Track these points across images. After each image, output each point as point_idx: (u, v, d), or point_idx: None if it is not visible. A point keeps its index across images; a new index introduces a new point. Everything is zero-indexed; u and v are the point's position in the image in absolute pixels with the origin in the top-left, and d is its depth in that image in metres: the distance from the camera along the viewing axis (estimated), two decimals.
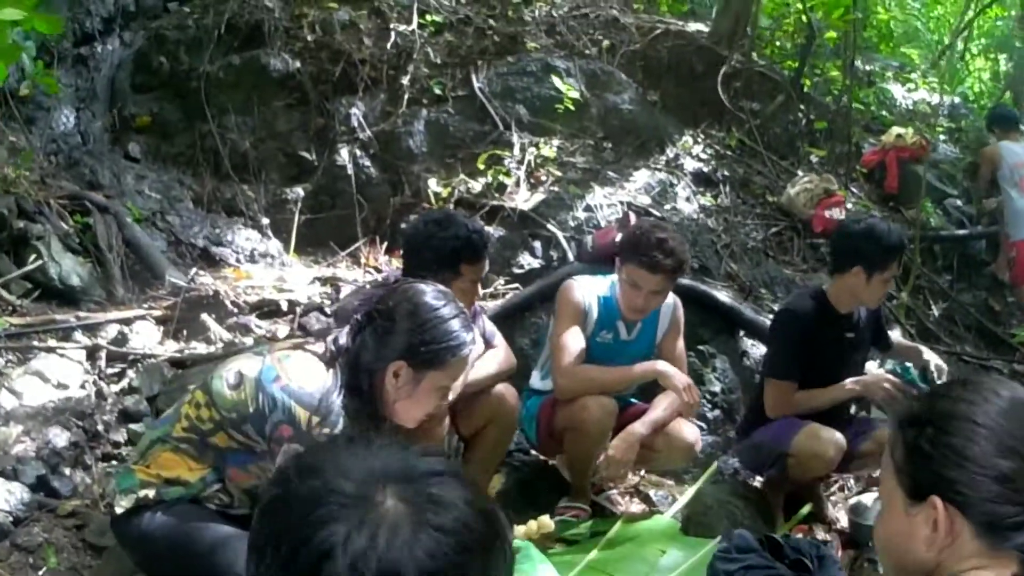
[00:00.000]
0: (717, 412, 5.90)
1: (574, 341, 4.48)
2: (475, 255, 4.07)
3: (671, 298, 4.71)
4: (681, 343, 4.82)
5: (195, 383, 3.22)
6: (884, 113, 10.55)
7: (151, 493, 2.99)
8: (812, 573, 2.67)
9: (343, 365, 2.95)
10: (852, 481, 5.57)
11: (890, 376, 4.73)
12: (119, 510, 3.01)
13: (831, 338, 4.71)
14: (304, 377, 2.87)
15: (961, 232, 9.01)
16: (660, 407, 4.55)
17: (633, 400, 4.88)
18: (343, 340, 2.99)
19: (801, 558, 2.68)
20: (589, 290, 4.60)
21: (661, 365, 4.48)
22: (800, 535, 4.57)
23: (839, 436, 4.52)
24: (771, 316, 5.08)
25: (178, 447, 3.01)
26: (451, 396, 3.19)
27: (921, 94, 11.39)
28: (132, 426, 4.55)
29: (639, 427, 4.45)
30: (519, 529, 3.86)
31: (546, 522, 3.92)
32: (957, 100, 12.03)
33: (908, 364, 4.93)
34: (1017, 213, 8.50)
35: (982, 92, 15.15)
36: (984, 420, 1.66)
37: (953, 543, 1.66)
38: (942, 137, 10.46)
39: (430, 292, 2.99)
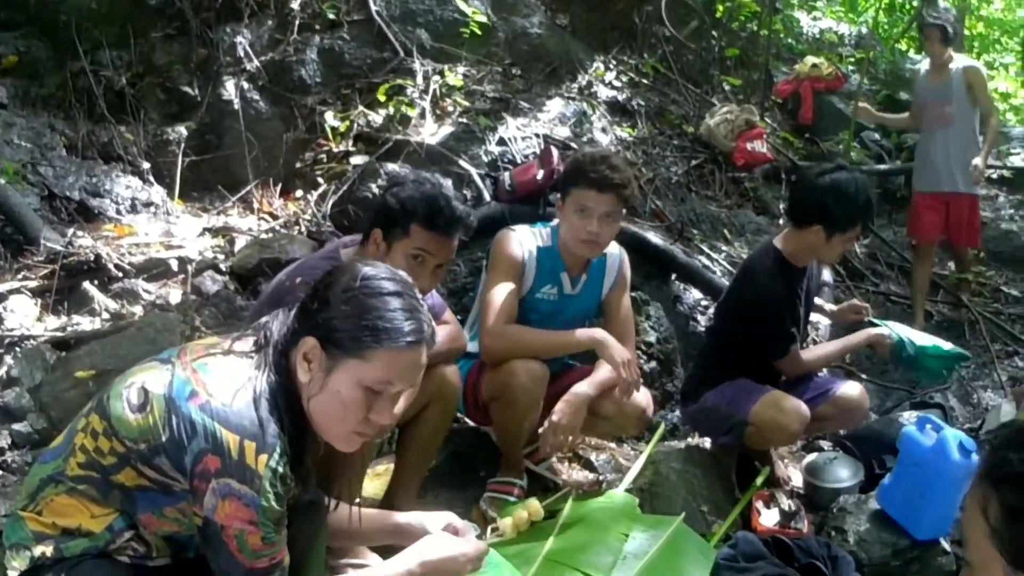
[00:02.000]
0: (653, 364, 5.53)
1: (505, 298, 4.04)
2: (433, 219, 3.43)
3: (616, 248, 4.35)
4: (627, 299, 4.45)
5: (88, 404, 2.45)
6: (791, 41, 10.34)
7: (48, 550, 2.34)
8: None
9: (272, 363, 2.34)
10: None
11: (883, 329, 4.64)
12: (12, 574, 2.35)
13: (796, 295, 4.43)
14: (229, 391, 2.24)
15: (881, 167, 8.83)
16: (606, 366, 4.14)
17: (571, 362, 4.51)
18: (275, 328, 2.39)
19: (813, 561, 2.28)
20: (528, 241, 4.17)
21: (600, 334, 4.07)
22: (762, 502, 4.37)
23: (803, 407, 4.26)
24: (737, 291, 4.60)
25: (75, 488, 2.34)
26: (386, 413, 2.37)
27: (827, 23, 11.19)
28: (16, 427, 4.01)
29: (585, 388, 4.06)
30: (506, 522, 3.27)
31: (535, 507, 3.25)
32: (865, 30, 11.84)
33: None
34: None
35: (886, 21, 15.03)
36: None
37: None
38: (851, 68, 10.22)
39: (382, 269, 2.37)
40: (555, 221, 4.25)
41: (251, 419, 2.20)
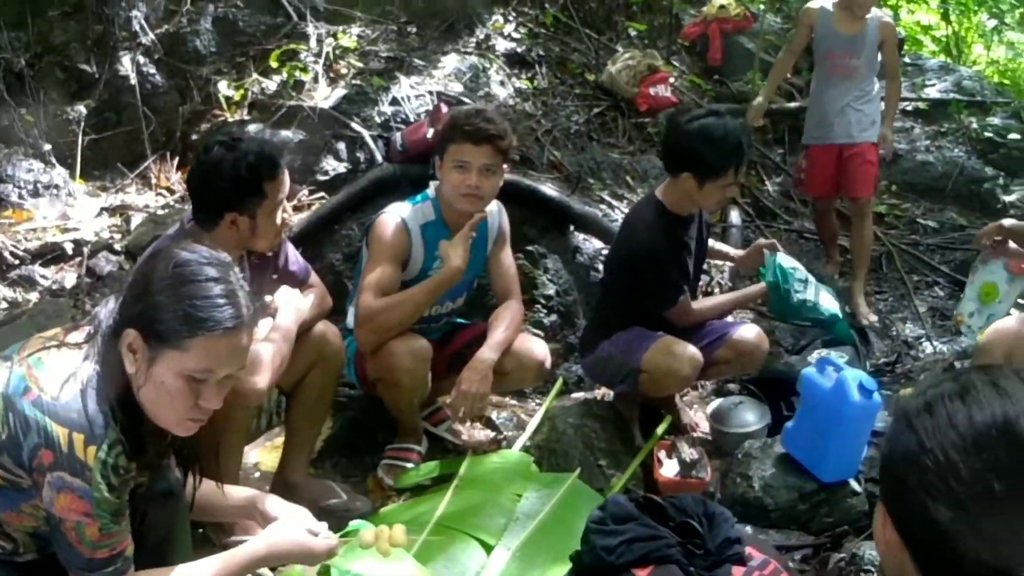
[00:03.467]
0: (554, 317, 5.47)
1: (380, 282, 3.98)
2: (274, 168, 3.47)
3: (495, 205, 4.27)
4: (509, 254, 4.43)
5: None
6: None
7: None
8: (702, 535, 2.24)
9: (100, 353, 2.30)
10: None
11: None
12: None
13: (682, 246, 4.41)
14: (57, 384, 2.23)
15: (791, 105, 8.68)
16: (501, 326, 4.15)
17: (461, 320, 4.50)
18: (102, 317, 2.35)
19: (688, 520, 2.24)
20: (410, 221, 4.09)
21: (454, 262, 4.00)
22: (664, 452, 4.35)
23: (694, 351, 4.26)
24: (619, 242, 4.64)
25: None
26: (214, 398, 2.33)
27: None
28: None
29: (488, 353, 4.05)
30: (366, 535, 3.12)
31: (398, 536, 3.01)
32: None
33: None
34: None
35: None
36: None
37: None
38: (762, 7, 10.14)
39: (199, 254, 2.30)
40: (431, 190, 4.18)
41: (79, 411, 2.19)
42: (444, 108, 5.65)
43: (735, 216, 6.96)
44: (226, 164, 3.39)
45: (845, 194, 6.65)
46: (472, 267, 4.19)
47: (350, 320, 4.24)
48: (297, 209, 5.57)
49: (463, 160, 3.96)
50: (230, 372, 2.31)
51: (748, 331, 4.69)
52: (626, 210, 5.93)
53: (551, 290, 5.49)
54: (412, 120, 5.99)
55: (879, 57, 6.56)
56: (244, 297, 2.29)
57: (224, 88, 6.38)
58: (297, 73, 6.36)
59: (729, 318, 5.11)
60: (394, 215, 4.08)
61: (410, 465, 4.24)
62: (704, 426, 4.83)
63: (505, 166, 4.12)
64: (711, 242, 4.93)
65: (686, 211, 4.38)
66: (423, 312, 4.08)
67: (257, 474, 4.23)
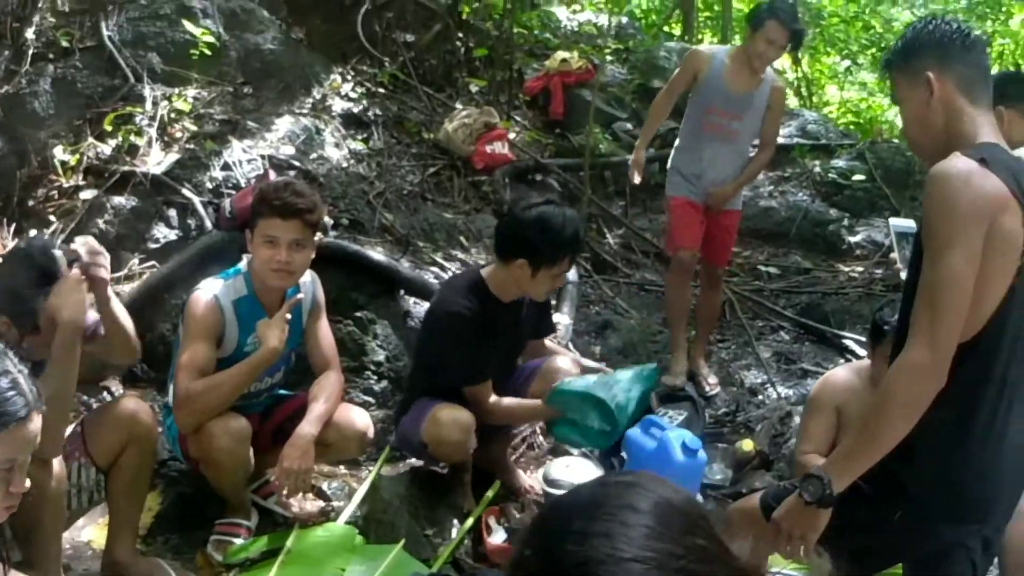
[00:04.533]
0: (385, 383, 5.49)
1: (196, 362, 3.96)
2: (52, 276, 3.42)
3: (308, 275, 4.29)
4: (325, 324, 4.43)
5: None
6: (549, 36, 10.38)
7: None
8: None
9: None
10: (540, 437, 5.34)
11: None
12: None
13: (497, 333, 4.37)
14: None
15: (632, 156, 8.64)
16: (321, 399, 4.15)
17: (283, 392, 4.49)
18: None
19: None
20: (222, 298, 4.08)
21: (271, 343, 3.99)
22: (493, 518, 4.40)
23: (463, 416, 4.23)
24: (431, 311, 4.59)
25: None
26: (23, 483, 2.33)
27: (587, 15, 11.34)
28: None
29: (308, 428, 4.03)
30: None
31: None
32: (624, 20, 12.00)
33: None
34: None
35: (650, 9, 15.33)
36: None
37: None
38: (609, 59, 10.36)
39: None
40: (244, 264, 4.19)
41: None
42: (272, 174, 5.69)
43: (571, 273, 6.65)
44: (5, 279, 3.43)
45: (703, 258, 6.25)
46: (289, 340, 4.17)
47: (171, 397, 4.20)
48: (128, 278, 5.54)
49: (272, 235, 3.96)
50: (30, 453, 2.33)
51: (560, 361, 4.70)
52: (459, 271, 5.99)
53: (381, 356, 5.51)
54: (243, 185, 5.98)
55: (759, 124, 6.08)
56: (26, 381, 2.31)
57: (60, 153, 6.29)
58: (132, 137, 6.30)
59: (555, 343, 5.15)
60: (207, 291, 4.07)
61: (239, 540, 4.19)
62: (539, 488, 4.78)
63: (318, 237, 4.16)
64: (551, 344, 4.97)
65: (508, 297, 4.37)
66: (242, 392, 4.07)
67: (89, 552, 4.18)
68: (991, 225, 2.44)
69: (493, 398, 4.38)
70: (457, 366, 4.32)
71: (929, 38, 2.73)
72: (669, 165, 6.31)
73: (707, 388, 6.18)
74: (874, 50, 16.08)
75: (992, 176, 2.47)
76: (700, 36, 14.61)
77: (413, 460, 4.85)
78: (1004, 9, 14.48)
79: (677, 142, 6.32)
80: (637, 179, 6.37)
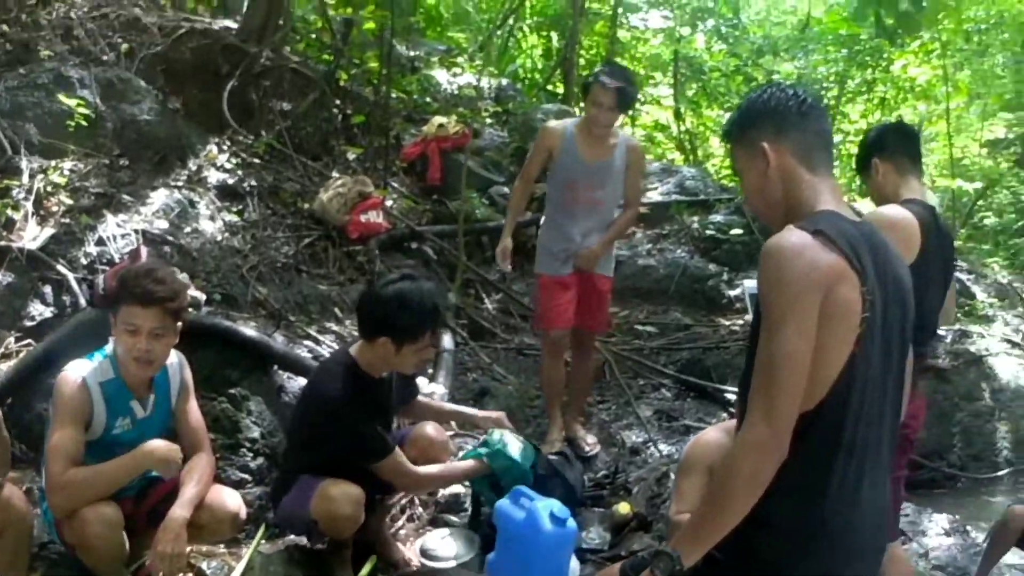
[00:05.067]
0: (261, 460, 5.44)
1: (67, 447, 3.93)
2: None
3: (175, 357, 4.28)
4: (194, 405, 4.41)
5: None
6: (429, 100, 10.50)
7: None
8: None
9: None
10: (420, 508, 5.37)
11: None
12: None
13: (376, 409, 4.44)
14: None
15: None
16: (192, 481, 4.14)
17: (156, 474, 4.37)
18: None
19: None
20: (90, 380, 4.04)
21: (147, 445, 4.02)
22: None
23: (353, 490, 4.27)
24: (309, 392, 4.59)
25: None
26: None
27: (467, 78, 11.39)
28: None
29: (180, 512, 4.00)
30: None
31: None
32: (505, 82, 12.18)
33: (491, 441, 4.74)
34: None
35: (534, 68, 15.60)
36: None
37: None
38: (489, 121, 10.51)
39: None
40: (110, 347, 4.15)
41: None
42: (144, 250, 5.70)
43: (447, 340, 6.92)
44: None
45: (580, 326, 6.18)
46: (159, 422, 4.21)
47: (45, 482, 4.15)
48: (4, 357, 5.45)
49: (133, 323, 3.96)
50: None
51: (425, 426, 4.82)
52: (334, 345, 6.02)
53: (256, 432, 5.48)
54: (117, 260, 5.93)
55: (621, 184, 6.04)
56: None
57: None
58: (9, 211, 6.18)
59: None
60: (75, 373, 4.04)
61: None
62: (416, 561, 4.82)
63: (179, 324, 4.12)
64: (451, 405, 5.11)
65: (379, 373, 4.44)
66: (118, 488, 4.04)
67: None
68: (827, 296, 2.44)
69: (418, 467, 4.47)
70: (361, 447, 4.34)
71: (764, 108, 2.73)
72: (538, 241, 6.31)
73: (586, 449, 6.23)
74: None
75: (827, 247, 2.46)
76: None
77: (292, 537, 4.84)
78: (885, 56, 14.89)
79: (543, 219, 6.33)
80: (507, 268, 6.44)
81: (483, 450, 4.71)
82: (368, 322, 4.35)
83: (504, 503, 4.35)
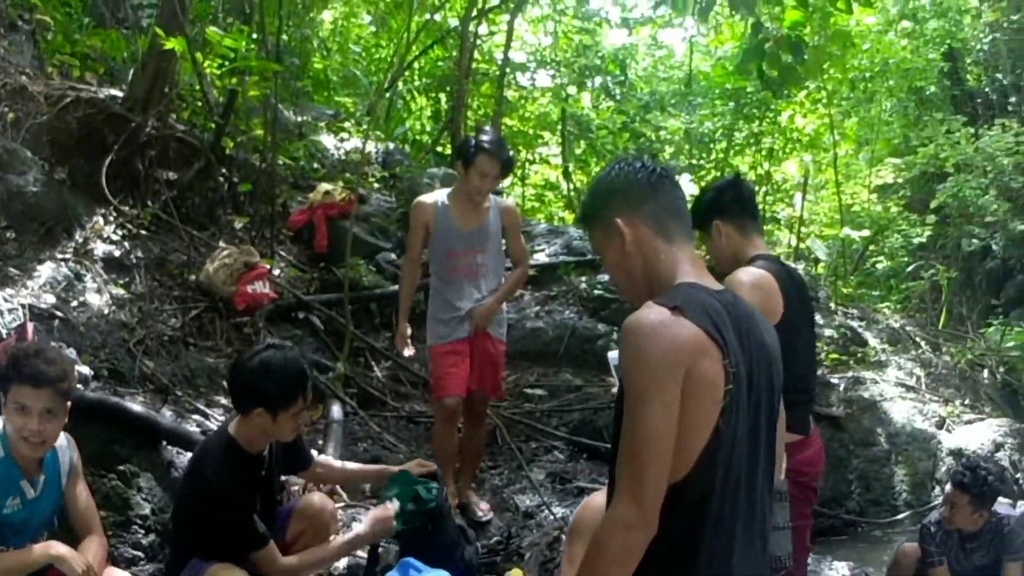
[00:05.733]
0: (153, 537, 5.44)
1: None
2: None
3: (64, 439, 4.29)
4: (83, 484, 4.41)
5: None
6: (317, 166, 10.52)
7: None
8: None
9: None
10: None
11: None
12: None
13: (253, 487, 4.47)
14: None
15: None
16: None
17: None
18: None
19: None
20: None
21: (55, 548, 4.04)
22: None
23: (236, 571, 4.30)
24: (191, 480, 4.57)
25: None
26: None
27: (354, 142, 11.39)
28: None
29: None
30: None
31: None
32: (392, 146, 12.26)
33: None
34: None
35: (423, 131, 15.71)
36: None
37: None
38: (376, 186, 10.57)
39: None
40: (0, 425, 4.15)
41: None
42: (30, 326, 5.69)
43: (336, 411, 7.01)
44: None
45: (474, 391, 6.20)
46: (49, 504, 4.23)
47: None
48: None
49: (23, 403, 3.97)
50: None
51: (312, 497, 4.93)
52: (222, 418, 6.01)
53: (147, 509, 5.49)
54: (4, 337, 5.93)
55: (501, 246, 6.20)
56: None
57: None
58: None
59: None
60: None
61: None
62: None
63: (68, 403, 4.13)
64: (357, 465, 5.19)
65: (259, 447, 4.47)
66: None
67: None
68: (689, 371, 2.43)
69: (288, 558, 4.46)
70: (236, 536, 4.34)
71: (614, 184, 2.75)
72: (428, 314, 6.37)
73: (480, 515, 6.28)
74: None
75: (686, 322, 2.46)
76: None
77: None
78: (772, 107, 15.06)
79: (431, 291, 6.39)
80: (407, 352, 6.46)
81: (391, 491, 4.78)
82: (240, 396, 4.40)
83: (392, 574, 4.44)
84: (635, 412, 2.46)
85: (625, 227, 2.68)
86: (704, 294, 2.60)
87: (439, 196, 6.23)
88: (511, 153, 6.11)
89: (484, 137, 6.02)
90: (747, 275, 4.05)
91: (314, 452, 5.16)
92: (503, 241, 6.23)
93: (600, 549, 2.47)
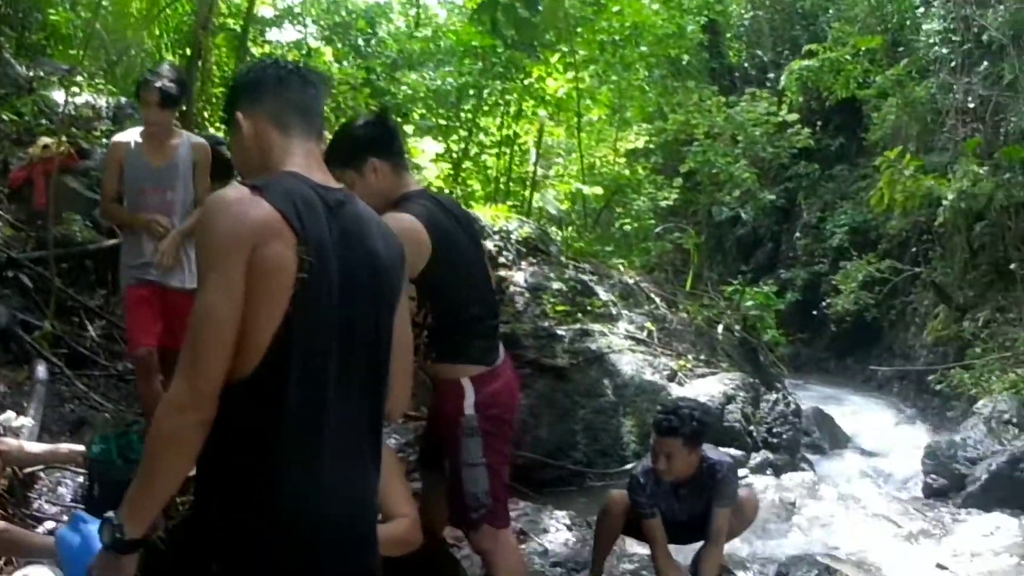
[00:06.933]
0: None
1: None
2: None
3: None
4: None
5: None
6: (44, 122, 10.29)
7: None
8: None
9: None
10: None
11: None
12: None
13: None
14: None
15: (112, 242, 8.37)
16: None
17: None
18: None
19: None
20: None
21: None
22: None
23: None
24: None
25: None
26: None
27: (85, 97, 11.20)
28: None
29: None
30: None
31: None
32: (124, 100, 12.13)
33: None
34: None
35: None
36: None
37: None
38: (105, 141, 10.48)
39: None
40: None
41: None
42: None
43: (41, 371, 6.90)
44: None
45: (165, 346, 6.01)
46: None
47: None
48: None
49: None
50: None
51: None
52: None
53: None
54: None
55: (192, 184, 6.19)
56: None
57: None
58: None
59: None
60: None
61: None
62: None
63: None
64: (39, 445, 5.16)
65: None
66: None
67: None
68: (256, 251, 2.41)
69: None
70: None
71: (244, 81, 2.84)
72: (120, 260, 6.36)
73: None
74: None
75: (263, 203, 2.45)
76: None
77: None
78: (524, 69, 15.36)
79: (122, 236, 6.40)
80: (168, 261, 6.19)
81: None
82: None
83: (64, 530, 4.42)
84: (199, 289, 2.47)
85: (245, 120, 2.74)
86: (299, 183, 2.61)
87: (133, 134, 6.25)
88: (171, 83, 6.03)
89: (150, 70, 6.21)
90: (394, 221, 3.60)
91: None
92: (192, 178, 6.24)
93: (155, 431, 2.44)
